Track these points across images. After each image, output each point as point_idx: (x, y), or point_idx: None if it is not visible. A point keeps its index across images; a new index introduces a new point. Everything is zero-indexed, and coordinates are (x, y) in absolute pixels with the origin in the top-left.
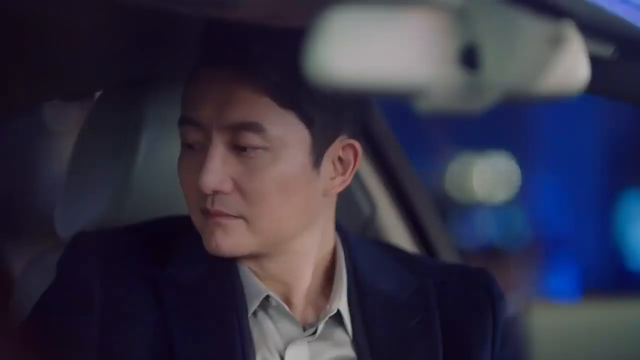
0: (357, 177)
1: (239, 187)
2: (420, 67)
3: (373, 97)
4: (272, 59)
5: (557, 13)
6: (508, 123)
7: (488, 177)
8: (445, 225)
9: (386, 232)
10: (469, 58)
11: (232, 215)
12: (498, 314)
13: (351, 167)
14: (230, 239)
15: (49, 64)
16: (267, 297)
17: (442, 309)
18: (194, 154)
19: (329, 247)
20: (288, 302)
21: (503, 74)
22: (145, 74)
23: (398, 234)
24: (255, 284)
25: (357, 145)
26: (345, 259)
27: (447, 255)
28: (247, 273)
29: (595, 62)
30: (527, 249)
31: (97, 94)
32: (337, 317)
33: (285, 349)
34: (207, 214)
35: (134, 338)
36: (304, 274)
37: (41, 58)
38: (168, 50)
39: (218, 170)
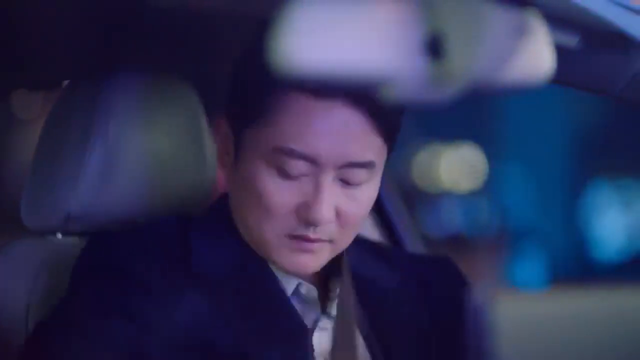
0: None
1: (338, 215)
2: (386, 57)
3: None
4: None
5: (522, 2)
6: (474, 113)
7: (455, 166)
8: (413, 214)
9: None
10: (434, 47)
11: (324, 240)
12: (471, 296)
13: None
14: (318, 261)
15: (16, 53)
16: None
17: (425, 298)
18: (293, 182)
19: None
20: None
21: (468, 63)
22: (113, 64)
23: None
24: (284, 274)
25: None
26: None
27: (412, 243)
28: (270, 264)
29: (560, 51)
30: (494, 238)
31: (65, 83)
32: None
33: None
34: (301, 239)
35: (187, 327)
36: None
37: (8, 47)
38: (135, 40)
39: (330, 204)
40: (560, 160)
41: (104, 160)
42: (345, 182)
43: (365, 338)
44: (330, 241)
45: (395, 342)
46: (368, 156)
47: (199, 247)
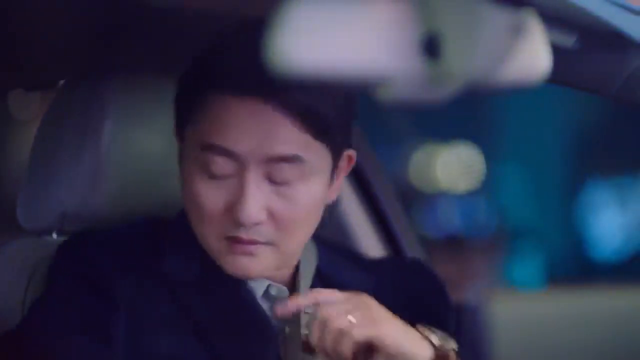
0: None
1: (271, 215)
2: (382, 57)
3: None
4: (309, 92)
5: (518, 2)
6: (472, 113)
7: (452, 166)
8: (410, 214)
9: (348, 219)
10: (431, 47)
11: (262, 243)
12: (447, 293)
13: (342, 173)
14: (259, 265)
15: (13, 53)
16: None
17: (400, 302)
18: (221, 182)
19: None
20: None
21: (465, 63)
22: (108, 64)
23: (360, 222)
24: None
25: (353, 154)
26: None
27: (408, 242)
28: None
29: (557, 51)
30: (491, 238)
31: (61, 83)
32: None
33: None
34: (236, 241)
35: (157, 332)
36: (287, 269)
37: (5, 47)
38: (131, 40)
39: (258, 202)
40: (557, 159)
41: (100, 160)
42: (274, 181)
43: None
44: (271, 244)
45: None
46: (292, 149)
47: (170, 249)
